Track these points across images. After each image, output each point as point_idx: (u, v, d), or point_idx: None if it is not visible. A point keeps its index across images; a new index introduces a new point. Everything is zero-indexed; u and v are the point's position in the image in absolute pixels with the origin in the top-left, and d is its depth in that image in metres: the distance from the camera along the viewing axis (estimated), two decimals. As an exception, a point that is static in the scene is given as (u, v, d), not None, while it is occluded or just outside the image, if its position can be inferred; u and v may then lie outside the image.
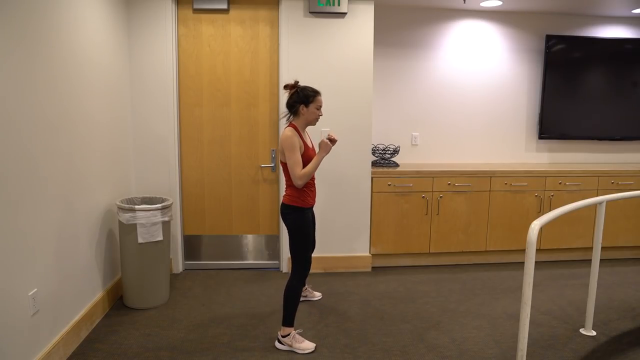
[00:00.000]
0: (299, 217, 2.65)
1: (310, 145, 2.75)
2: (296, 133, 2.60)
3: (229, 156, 3.85)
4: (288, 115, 2.74)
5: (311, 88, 2.68)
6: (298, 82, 2.72)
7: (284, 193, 2.72)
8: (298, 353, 2.64)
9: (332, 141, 2.65)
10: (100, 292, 3.04)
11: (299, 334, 2.81)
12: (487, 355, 2.61)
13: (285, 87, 2.72)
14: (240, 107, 3.81)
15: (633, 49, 4.48)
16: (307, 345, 2.65)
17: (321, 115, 2.72)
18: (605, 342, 2.77)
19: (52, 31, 2.39)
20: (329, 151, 2.65)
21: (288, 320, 2.67)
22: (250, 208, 3.92)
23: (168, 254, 3.24)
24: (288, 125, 2.67)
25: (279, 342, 2.70)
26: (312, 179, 2.77)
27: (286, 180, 2.70)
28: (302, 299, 3.34)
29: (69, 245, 2.59)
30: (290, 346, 2.66)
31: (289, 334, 2.67)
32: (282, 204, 2.71)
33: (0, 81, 1.97)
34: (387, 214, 3.94)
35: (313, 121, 2.70)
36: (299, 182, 2.57)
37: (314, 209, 3.84)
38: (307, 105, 2.65)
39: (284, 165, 2.67)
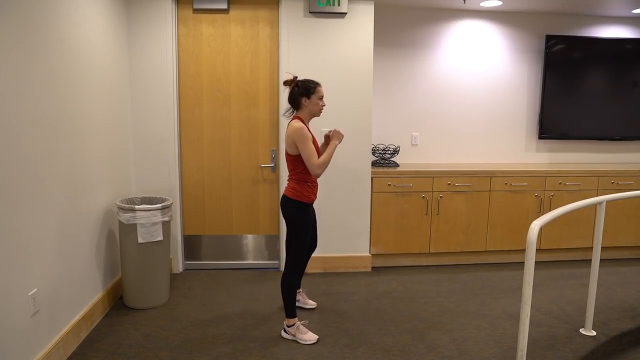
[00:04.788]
0: (299, 212, 2.68)
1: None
2: (304, 125, 2.64)
3: (229, 156, 3.85)
4: (291, 110, 2.76)
5: (311, 80, 2.71)
6: (297, 77, 2.75)
7: (286, 186, 2.74)
8: (300, 343, 2.71)
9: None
10: (100, 292, 3.04)
11: (305, 325, 2.88)
12: (487, 355, 2.61)
13: (285, 82, 2.74)
14: (240, 107, 3.81)
15: (633, 49, 4.48)
16: (310, 337, 2.73)
17: (324, 105, 2.75)
18: (605, 342, 2.77)
19: (52, 31, 2.39)
20: (341, 139, 2.75)
21: (288, 311, 2.76)
22: (250, 208, 3.92)
23: (168, 254, 3.24)
24: (293, 118, 2.70)
25: (285, 331, 2.80)
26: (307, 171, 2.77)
27: (290, 174, 2.73)
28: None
29: (69, 245, 2.59)
30: (294, 336, 2.74)
31: (293, 324, 2.75)
32: (284, 196, 2.72)
33: (0, 81, 1.97)
34: (387, 214, 3.94)
35: (317, 112, 2.72)
36: (317, 172, 2.60)
37: (315, 206, 3.84)
38: (309, 97, 2.68)
39: (290, 157, 2.69)
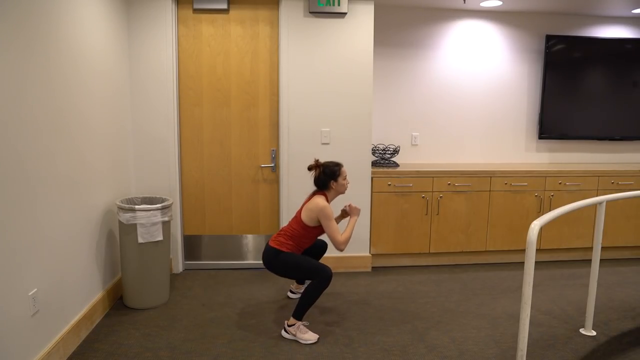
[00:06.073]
0: (284, 257, 2.80)
1: None
2: (328, 203, 2.83)
3: (228, 156, 3.85)
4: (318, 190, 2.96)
5: (333, 163, 2.92)
6: (318, 160, 2.93)
7: (278, 239, 2.86)
8: (301, 343, 2.72)
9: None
10: (100, 292, 3.04)
11: (305, 325, 2.91)
12: (487, 355, 2.61)
13: (309, 168, 2.92)
14: (240, 107, 3.81)
15: (633, 49, 4.48)
16: (310, 337, 2.74)
17: (349, 182, 2.99)
18: (605, 342, 2.77)
19: (52, 31, 2.39)
20: (359, 214, 2.96)
21: (299, 313, 2.78)
22: (250, 208, 3.92)
23: (168, 254, 3.24)
24: (320, 194, 2.87)
25: (285, 330, 2.81)
26: (313, 237, 2.92)
27: (289, 232, 2.87)
28: (293, 295, 3.40)
29: (69, 245, 2.59)
30: (295, 335, 2.76)
31: (294, 324, 2.77)
32: (272, 248, 2.83)
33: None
34: (387, 214, 3.94)
35: (344, 191, 2.94)
36: (342, 247, 2.78)
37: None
38: (335, 180, 2.88)
39: (303, 224, 2.84)
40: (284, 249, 2.82)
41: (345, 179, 2.92)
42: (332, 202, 3.80)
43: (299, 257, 2.80)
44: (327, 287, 2.80)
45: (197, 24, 3.68)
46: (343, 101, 3.78)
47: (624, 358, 2.60)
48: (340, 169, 2.89)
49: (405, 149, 4.48)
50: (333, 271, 3.94)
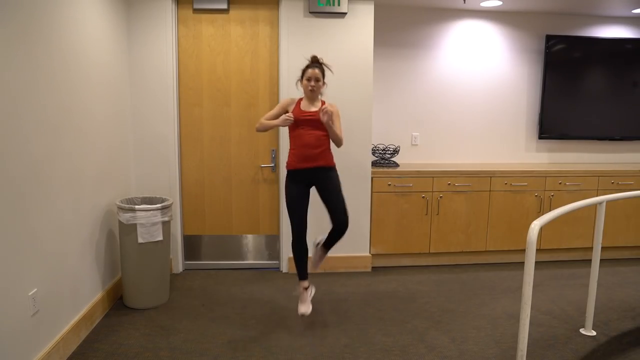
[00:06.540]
0: (286, 178, 2.99)
1: (313, 115, 2.88)
2: (294, 101, 2.96)
3: (229, 156, 3.85)
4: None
5: (308, 64, 2.95)
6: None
7: None
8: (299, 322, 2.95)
9: (324, 112, 2.74)
10: (100, 292, 3.04)
11: (310, 294, 3.03)
12: (487, 355, 2.61)
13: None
14: (240, 107, 3.81)
15: (633, 49, 4.48)
16: (303, 308, 2.92)
17: (312, 85, 2.86)
18: (605, 342, 2.77)
19: (53, 32, 2.39)
20: (283, 124, 2.83)
21: (298, 274, 3.03)
22: (250, 208, 3.92)
23: (168, 254, 3.24)
24: None
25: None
26: (301, 142, 2.87)
27: None
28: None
29: (69, 245, 2.59)
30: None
31: (307, 287, 3.00)
32: None
33: (1, 82, 1.97)
34: (387, 214, 3.94)
35: (307, 92, 2.91)
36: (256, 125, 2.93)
37: (315, 206, 3.79)
38: (301, 80, 2.93)
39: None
40: (287, 167, 2.97)
41: (309, 79, 2.84)
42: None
43: (289, 198, 2.92)
44: (294, 247, 2.97)
45: (197, 24, 3.68)
46: (343, 101, 3.78)
47: (624, 358, 2.60)
48: (306, 70, 2.88)
49: (405, 149, 4.48)
50: (333, 271, 3.94)
